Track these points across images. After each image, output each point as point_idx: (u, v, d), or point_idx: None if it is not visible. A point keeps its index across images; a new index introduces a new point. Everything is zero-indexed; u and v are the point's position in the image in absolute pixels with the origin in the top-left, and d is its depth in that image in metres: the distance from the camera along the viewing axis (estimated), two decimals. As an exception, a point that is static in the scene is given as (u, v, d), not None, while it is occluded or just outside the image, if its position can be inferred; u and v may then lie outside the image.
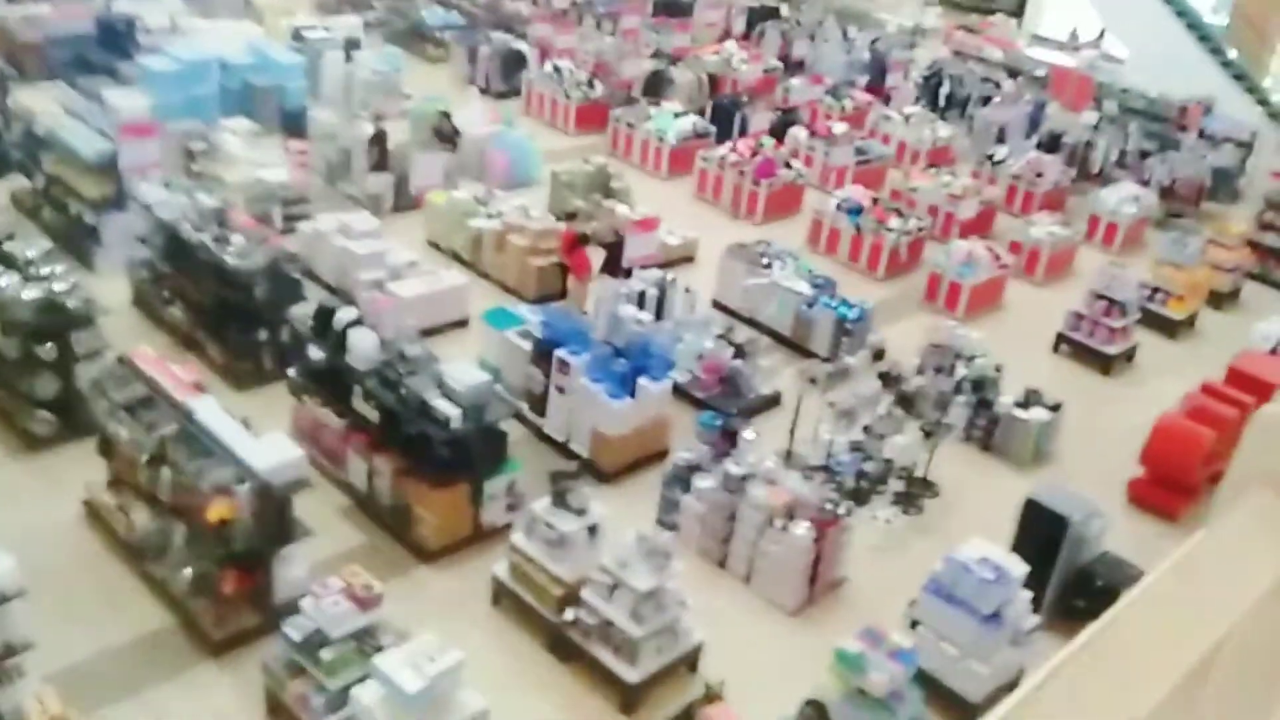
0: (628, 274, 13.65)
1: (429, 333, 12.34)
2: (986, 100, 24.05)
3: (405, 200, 16.27)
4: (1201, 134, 22.76)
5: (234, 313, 12.01)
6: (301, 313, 11.43)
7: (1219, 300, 17.73)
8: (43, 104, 15.25)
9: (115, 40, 19.00)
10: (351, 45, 18.20)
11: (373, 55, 19.65)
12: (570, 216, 15.50)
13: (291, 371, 11.26)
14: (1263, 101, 23.83)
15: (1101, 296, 15.22)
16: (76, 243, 13.72)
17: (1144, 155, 21.69)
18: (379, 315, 11.30)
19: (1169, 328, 16.51)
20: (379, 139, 16.28)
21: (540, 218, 15.15)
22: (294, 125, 17.38)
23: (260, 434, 9.02)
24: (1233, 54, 24.31)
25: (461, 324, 13.60)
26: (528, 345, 11.95)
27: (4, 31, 18.98)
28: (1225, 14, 26.19)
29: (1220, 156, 22.09)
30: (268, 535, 8.73)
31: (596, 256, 14.36)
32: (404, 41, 22.89)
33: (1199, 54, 24.26)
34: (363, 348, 10.40)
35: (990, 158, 20.93)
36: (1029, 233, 17.85)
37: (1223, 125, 23.02)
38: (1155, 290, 16.49)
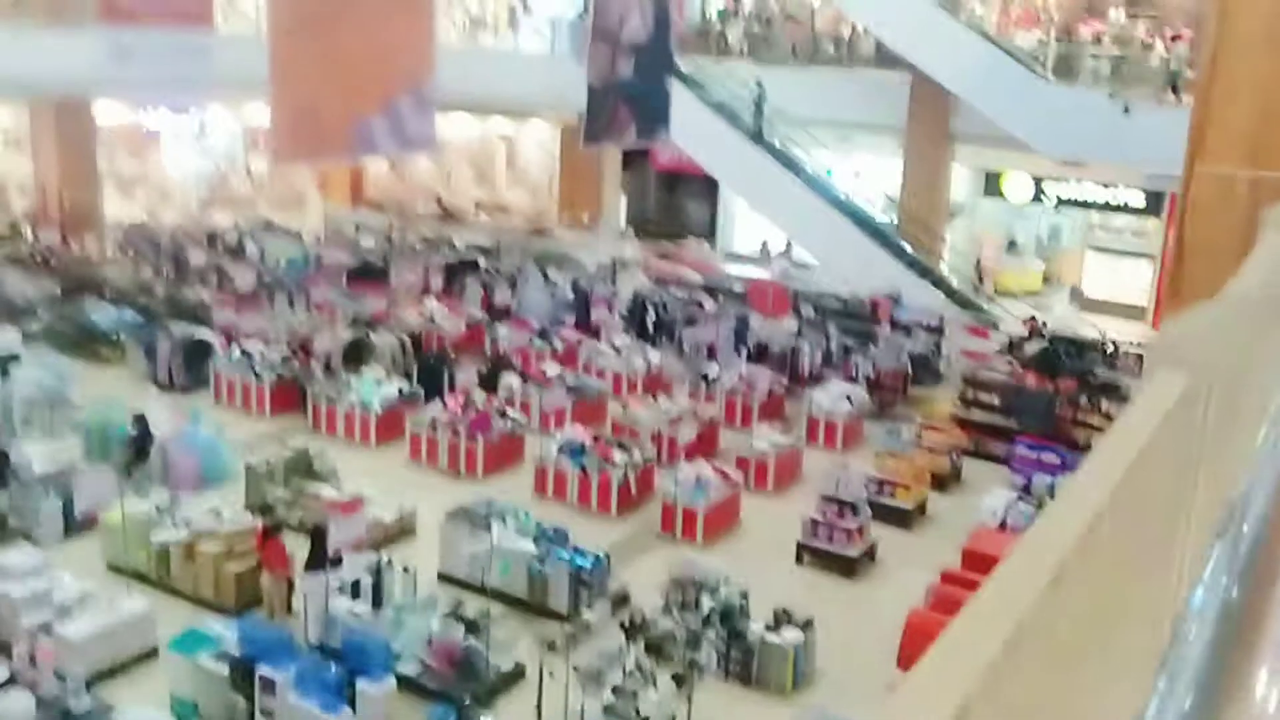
0: (337, 563, 12.44)
1: (109, 673, 10.73)
2: (691, 321, 24.35)
3: (74, 524, 14.52)
4: (894, 324, 23.65)
5: None
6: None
7: (943, 482, 17.69)
8: None
9: None
10: (9, 360, 16.62)
11: (35, 369, 18.01)
12: (267, 510, 14.20)
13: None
14: (938, 284, 25.32)
15: (831, 499, 15.04)
16: None
17: (847, 352, 22.26)
18: (39, 669, 9.68)
19: (902, 518, 16.30)
20: None
21: (234, 517, 13.73)
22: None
23: None
24: (907, 247, 25.84)
25: (150, 655, 11.85)
26: (224, 668, 10.50)
27: None
28: (892, 213, 27.95)
29: (915, 343, 22.86)
30: None
31: (299, 549, 13.09)
32: (73, 347, 21.30)
33: (878, 251, 25.67)
34: (15, 715, 8.80)
35: (704, 376, 20.96)
36: (752, 445, 17.68)
37: (912, 314, 23.99)
38: (882, 483, 16.37)
